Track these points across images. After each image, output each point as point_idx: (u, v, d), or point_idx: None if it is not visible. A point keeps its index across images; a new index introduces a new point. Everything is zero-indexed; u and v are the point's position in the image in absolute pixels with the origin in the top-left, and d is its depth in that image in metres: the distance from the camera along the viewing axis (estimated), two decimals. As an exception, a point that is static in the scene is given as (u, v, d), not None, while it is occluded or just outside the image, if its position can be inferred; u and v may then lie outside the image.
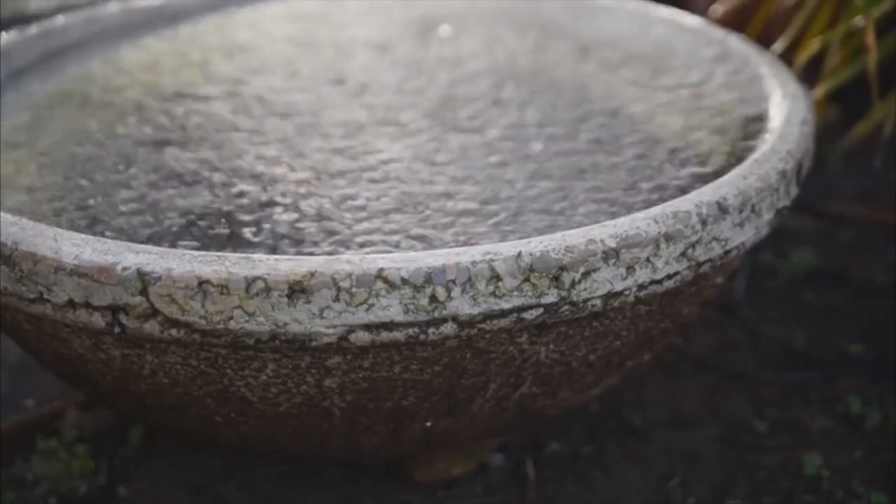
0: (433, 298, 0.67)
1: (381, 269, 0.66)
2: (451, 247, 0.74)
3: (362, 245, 0.76)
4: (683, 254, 0.73)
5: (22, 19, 1.36)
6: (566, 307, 0.70)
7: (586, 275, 0.69)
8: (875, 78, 1.04)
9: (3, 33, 1.04)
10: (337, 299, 0.66)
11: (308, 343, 0.68)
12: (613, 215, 0.78)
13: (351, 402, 0.74)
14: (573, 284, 0.69)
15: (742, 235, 0.76)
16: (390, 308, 0.67)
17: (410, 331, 0.68)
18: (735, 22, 1.21)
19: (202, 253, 0.68)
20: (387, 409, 0.75)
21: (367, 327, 0.67)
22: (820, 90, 1.11)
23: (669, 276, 0.72)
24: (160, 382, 0.74)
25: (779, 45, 1.14)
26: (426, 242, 0.77)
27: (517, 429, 0.92)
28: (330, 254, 0.75)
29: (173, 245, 0.76)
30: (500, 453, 0.93)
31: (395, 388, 0.73)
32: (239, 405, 0.75)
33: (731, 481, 0.91)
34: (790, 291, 1.16)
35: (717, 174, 0.81)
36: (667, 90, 0.97)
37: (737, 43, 1.02)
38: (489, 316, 0.68)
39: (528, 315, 0.69)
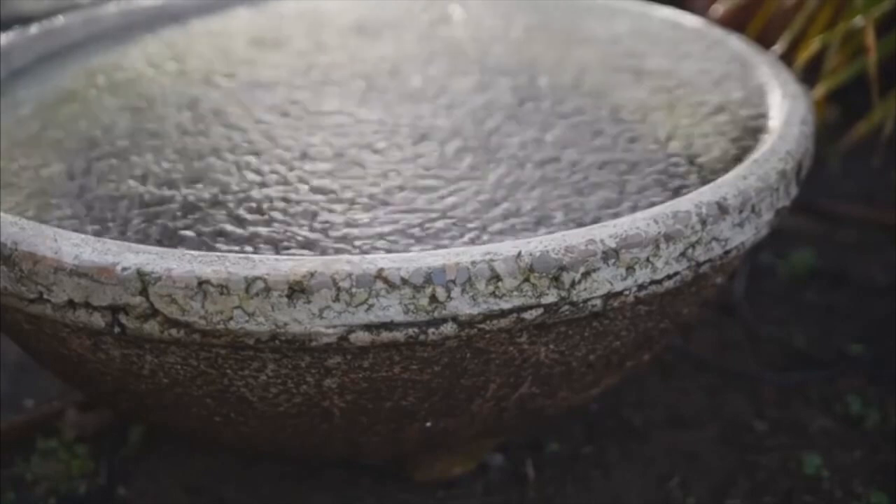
0: (433, 298, 0.67)
1: (381, 270, 0.66)
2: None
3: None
4: (683, 254, 0.72)
5: (22, 19, 1.36)
6: (566, 307, 0.70)
7: (586, 275, 0.69)
8: (875, 78, 1.04)
9: (3, 33, 1.04)
10: (337, 299, 0.66)
11: (308, 343, 0.68)
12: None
13: (351, 402, 0.74)
14: (573, 284, 0.69)
15: (742, 235, 0.76)
16: (390, 308, 0.67)
17: (410, 331, 0.68)
18: (735, 22, 1.21)
19: (202, 253, 0.68)
20: (387, 409, 0.75)
21: (367, 327, 0.67)
22: (820, 90, 1.11)
23: (669, 277, 0.72)
24: (160, 382, 0.74)
25: (779, 46, 1.14)
26: None
27: (517, 429, 0.92)
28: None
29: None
30: (500, 453, 0.93)
31: (394, 389, 0.73)
32: (239, 405, 0.75)
33: (731, 481, 0.91)
34: (790, 291, 1.16)
35: (717, 174, 0.81)
36: (665, 89, 0.97)
37: (737, 43, 1.02)
38: (489, 316, 0.68)
39: (528, 315, 0.69)
